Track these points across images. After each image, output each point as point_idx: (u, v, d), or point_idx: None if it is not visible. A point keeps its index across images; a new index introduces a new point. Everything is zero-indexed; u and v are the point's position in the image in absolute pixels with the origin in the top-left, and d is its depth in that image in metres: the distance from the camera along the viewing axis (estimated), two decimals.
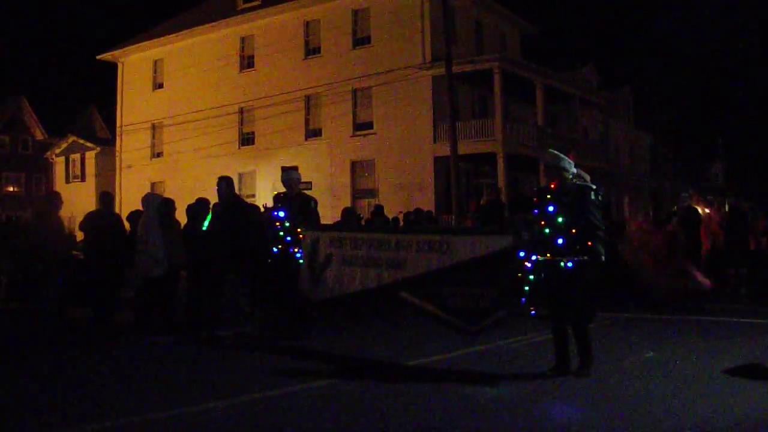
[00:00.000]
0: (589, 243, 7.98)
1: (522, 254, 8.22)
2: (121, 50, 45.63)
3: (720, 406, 6.87)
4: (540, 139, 34.57)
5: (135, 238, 12.21)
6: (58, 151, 52.82)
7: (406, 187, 33.20)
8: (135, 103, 44.97)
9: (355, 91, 36.32)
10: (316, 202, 11.71)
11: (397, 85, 34.06)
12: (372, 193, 35.07)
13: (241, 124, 40.10)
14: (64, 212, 13.98)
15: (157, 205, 12.16)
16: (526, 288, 8.19)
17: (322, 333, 11.40)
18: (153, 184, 41.65)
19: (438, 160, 32.75)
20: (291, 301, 11.03)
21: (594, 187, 8.38)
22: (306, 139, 37.54)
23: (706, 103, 48.08)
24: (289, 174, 11.97)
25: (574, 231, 8.05)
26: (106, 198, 13.83)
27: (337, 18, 37.04)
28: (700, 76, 48.90)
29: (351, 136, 36.21)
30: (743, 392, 7.43)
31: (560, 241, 8.08)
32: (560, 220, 8.16)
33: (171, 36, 42.96)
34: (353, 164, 36.11)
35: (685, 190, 16.64)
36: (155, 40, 43.79)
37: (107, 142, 52.13)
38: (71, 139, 52.08)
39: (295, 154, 36.27)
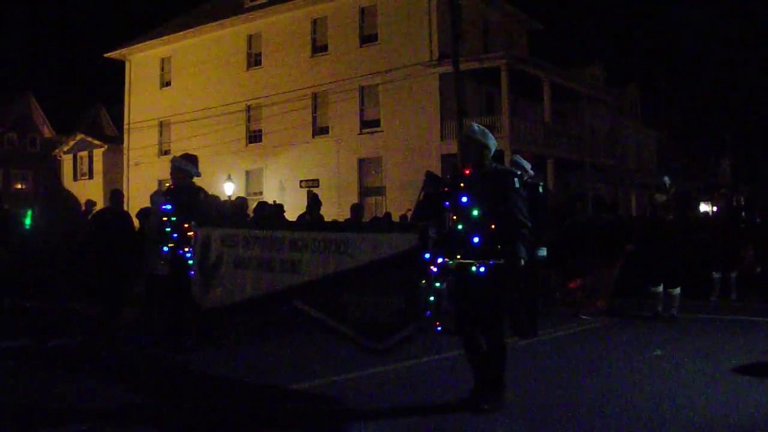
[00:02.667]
0: (508, 243, 6.59)
1: (428, 256, 6.52)
2: (128, 48, 45.70)
3: (729, 404, 6.88)
4: (547, 136, 34.58)
5: (144, 235, 12.23)
6: (66, 148, 52.94)
7: (413, 184, 33.14)
8: (143, 101, 45.05)
9: (362, 89, 36.33)
10: (205, 194, 10.53)
11: (404, 83, 34.08)
12: (379, 190, 35.11)
13: (249, 122, 40.14)
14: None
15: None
16: (431, 298, 6.51)
17: (205, 348, 9.99)
18: (160, 182, 41.64)
19: (445, 158, 32.72)
20: (180, 308, 9.79)
21: (519, 172, 7.35)
22: (313, 137, 37.57)
23: (713, 100, 47.90)
24: (174, 162, 10.68)
25: (492, 227, 6.60)
26: (116, 196, 13.86)
27: (344, 15, 37.05)
28: (707, 72, 48.75)
29: (358, 134, 36.22)
30: (752, 390, 7.43)
31: (475, 240, 6.63)
32: (475, 213, 6.69)
33: (178, 34, 43.03)
34: (360, 162, 36.13)
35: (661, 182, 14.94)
36: (163, 38, 43.85)
37: (115, 139, 52.22)
38: (79, 136, 52.19)
39: (302, 152, 36.37)
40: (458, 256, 6.68)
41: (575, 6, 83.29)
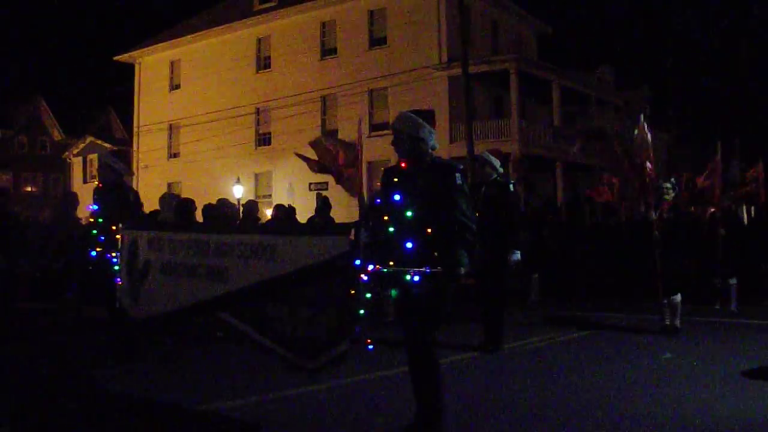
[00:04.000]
0: (447, 248, 5.72)
1: (358, 263, 5.61)
2: (138, 51, 45.82)
3: (738, 407, 6.85)
4: (556, 139, 34.55)
5: None
6: (75, 151, 53.06)
7: None
8: (152, 104, 45.14)
9: (371, 92, 36.37)
10: (135, 194, 9.90)
11: (413, 86, 34.09)
12: None
13: (258, 125, 40.21)
14: (81, 212, 14.07)
15: (174, 205, 12.19)
16: (361, 312, 5.57)
17: (127, 362, 9.01)
18: (170, 184, 41.78)
19: (454, 161, 32.65)
20: (110, 317, 8.99)
21: (462, 167, 6.30)
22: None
23: (723, 102, 47.84)
24: (102, 159, 9.92)
25: (429, 230, 5.73)
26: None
27: (354, 19, 37.10)
28: (717, 74, 48.69)
29: (367, 137, 36.20)
30: (762, 394, 7.40)
31: (408, 244, 5.74)
32: (409, 214, 5.81)
33: (188, 37, 43.12)
34: (369, 165, 36.10)
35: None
36: (172, 41, 43.95)
37: (124, 142, 52.39)
38: (89, 139, 52.33)
39: (311, 154, 36.31)
40: (391, 263, 5.74)
41: (584, 9, 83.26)
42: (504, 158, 10.67)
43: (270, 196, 37.02)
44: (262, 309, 6.34)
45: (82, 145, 52.52)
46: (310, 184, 36.37)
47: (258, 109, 39.95)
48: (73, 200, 13.37)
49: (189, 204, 11.96)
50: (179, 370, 8.96)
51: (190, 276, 6.99)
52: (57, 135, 63.99)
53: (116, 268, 8.05)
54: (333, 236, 6.00)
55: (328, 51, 38.26)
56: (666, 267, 11.11)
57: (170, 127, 44.19)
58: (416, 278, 5.64)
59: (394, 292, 6.02)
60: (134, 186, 43.70)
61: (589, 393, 7.52)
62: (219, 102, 40.30)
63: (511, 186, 10.25)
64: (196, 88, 42.25)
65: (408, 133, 6.04)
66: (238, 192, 35.60)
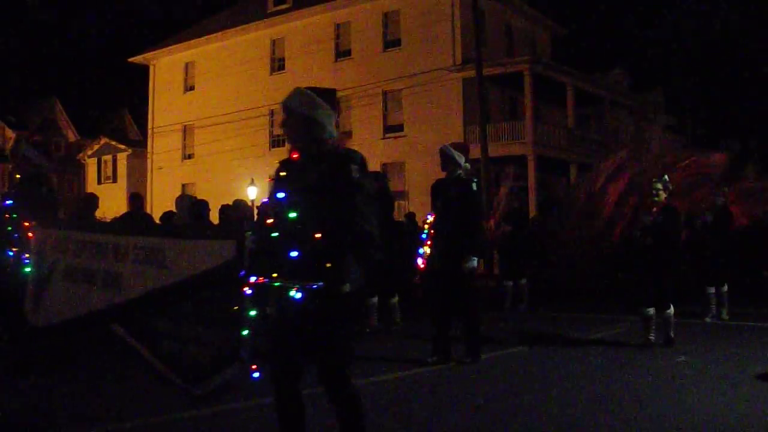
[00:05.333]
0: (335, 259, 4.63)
1: (243, 274, 4.84)
2: (152, 53, 45.96)
3: (752, 411, 6.83)
4: (570, 141, 34.51)
5: None
6: (90, 152, 53.31)
7: None
8: (166, 106, 45.28)
9: (385, 94, 36.40)
10: (50, 188, 9.25)
11: (427, 88, 34.10)
12: (402, 195, 35.10)
13: (272, 126, 40.25)
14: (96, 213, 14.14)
15: (189, 206, 12.23)
16: (245, 332, 4.79)
17: (13, 376, 8.17)
18: (184, 186, 41.93)
19: (468, 163, 32.66)
20: (13, 325, 7.85)
21: (361, 156, 5.02)
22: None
23: (737, 104, 47.70)
24: (23, 151, 8.52)
25: (317, 236, 4.63)
26: (135, 199, 13.91)
27: (368, 20, 37.13)
28: (731, 76, 48.51)
29: (381, 138, 36.27)
30: None
31: (293, 253, 4.67)
32: (293, 215, 4.75)
33: (202, 39, 43.24)
34: (383, 166, 36.07)
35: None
36: (186, 42, 44.08)
37: (139, 143, 52.54)
38: (103, 140, 52.57)
39: None
40: (275, 275, 4.74)
41: (599, 10, 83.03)
42: (465, 151, 9.88)
43: None
44: (154, 324, 5.61)
45: (96, 147, 52.77)
46: None
47: (272, 110, 39.97)
48: (92, 202, 13.39)
49: (202, 205, 11.99)
50: (54, 390, 7.82)
51: (89, 282, 6.19)
52: (72, 136, 64.17)
53: (27, 270, 7.11)
54: (220, 241, 5.30)
55: (342, 53, 38.32)
56: (654, 277, 10.18)
57: (184, 129, 44.31)
58: (297, 295, 4.60)
59: (253, 312, 4.83)
60: (148, 187, 43.89)
61: (604, 397, 7.52)
62: (233, 103, 40.37)
63: (474, 185, 9.44)
64: (211, 90, 42.35)
65: (301, 114, 4.96)
66: (253, 193, 35.69)
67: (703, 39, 52.51)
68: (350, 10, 37.61)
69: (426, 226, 9.76)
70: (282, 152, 38.90)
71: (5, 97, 61.36)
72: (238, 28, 41.59)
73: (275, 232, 4.83)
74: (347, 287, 4.62)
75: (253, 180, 37.07)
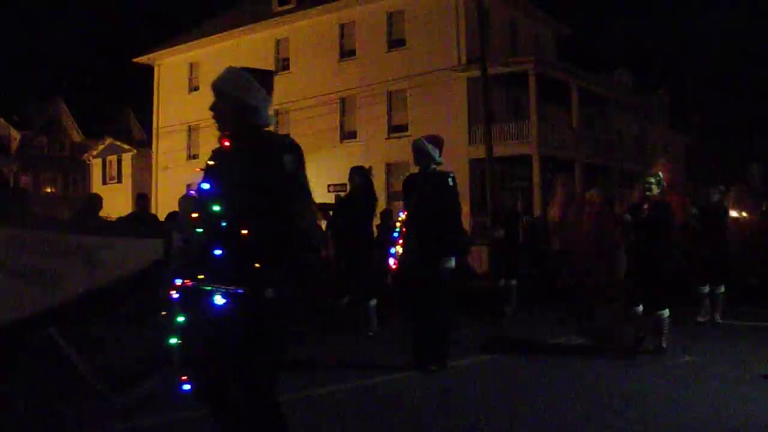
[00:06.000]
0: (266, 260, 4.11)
1: (170, 275, 4.41)
2: (157, 53, 45.99)
3: (757, 411, 6.82)
4: (575, 141, 34.48)
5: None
6: (95, 152, 53.38)
7: None
8: (171, 106, 45.30)
9: (390, 94, 36.38)
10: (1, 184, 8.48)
11: (432, 88, 34.11)
12: None
13: (277, 126, 40.24)
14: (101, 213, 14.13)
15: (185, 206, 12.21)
16: (172, 340, 4.29)
17: None
18: (189, 186, 41.91)
19: (473, 162, 32.70)
20: None
21: (296, 145, 4.45)
22: (341, 141, 37.65)
23: (743, 104, 47.76)
24: None
25: (245, 233, 4.12)
26: (141, 200, 13.91)
27: (372, 20, 37.12)
28: (736, 76, 48.56)
29: (386, 138, 36.25)
30: None
31: (217, 251, 4.16)
32: (216, 208, 4.23)
33: (206, 39, 43.25)
34: (388, 166, 36.11)
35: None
36: (191, 42, 44.10)
37: (143, 143, 52.59)
38: (108, 140, 52.63)
39: (330, 157, 36.43)
40: (201, 277, 4.22)
41: (604, 10, 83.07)
42: (440, 144, 9.05)
43: None
44: (87, 328, 5.21)
45: (101, 147, 52.82)
46: (329, 185, 36.40)
47: (277, 110, 39.93)
48: (97, 202, 13.40)
49: None
50: None
51: (30, 281, 5.66)
52: (76, 136, 64.30)
53: None
54: (149, 240, 4.92)
55: (346, 53, 38.31)
56: (645, 276, 9.74)
57: (189, 129, 44.28)
58: (221, 300, 4.11)
59: (182, 319, 4.30)
60: (153, 187, 43.93)
61: (610, 396, 7.51)
62: None
63: (450, 180, 8.86)
64: None
65: (234, 98, 4.48)
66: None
67: (709, 39, 52.53)
68: (355, 10, 37.60)
69: (397, 224, 9.27)
70: None
71: (10, 97, 61.55)
72: (242, 28, 41.60)
73: (200, 228, 4.34)
74: (271, 293, 4.08)
75: None
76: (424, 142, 8.99)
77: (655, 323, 9.72)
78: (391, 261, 9.18)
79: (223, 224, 4.19)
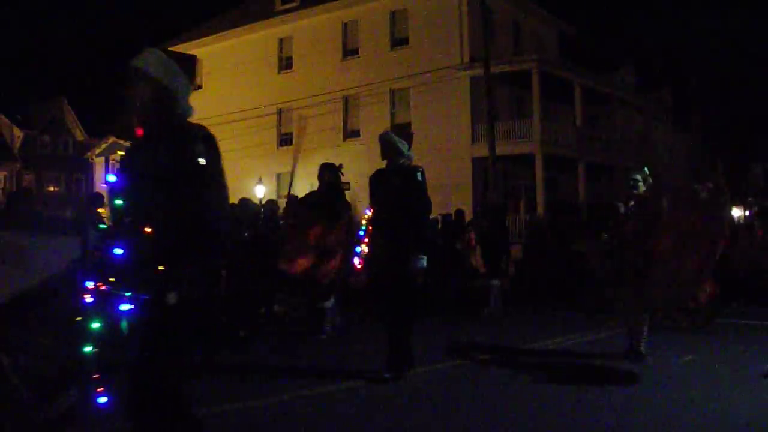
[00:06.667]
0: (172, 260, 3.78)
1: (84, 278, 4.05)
2: None
3: (761, 410, 6.82)
4: (578, 140, 34.45)
5: None
6: (98, 151, 53.43)
7: (443, 188, 33.11)
8: None
9: (393, 92, 36.36)
10: None
11: (435, 86, 34.07)
12: None
13: (280, 125, 40.27)
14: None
15: None
16: (87, 348, 3.95)
17: None
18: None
19: (476, 161, 32.68)
20: None
21: (208, 133, 4.34)
22: (344, 140, 37.62)
23: (746, 104, 47.73)
24: None
25: (149, 230, 3.79)
26: None
27: (375, 19, 37.09)
28: (740, 76, 48.54)
29: None
30: None
31: (118, 250, 3.84)
32: (119, 202, 3.94)
33: (209, 38, 43.23)
34: (423, 169, 36.00)
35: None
36: (194, 41, 44.05)
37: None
38: (111, 139, 52.60)
39: (333, 155, 36.37)
40: (111, 280, 3.88)
41: (607, 9, 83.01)
42: (409, 138, 8.70)
43: None
44: (13, 333, 4.73)
45: (104, 146, 52.83)
46: None
47: (280, 109, 39.99)
48: (97, 201, 13.37)
49: None
50: None
51: None
52: (79, 135, 64.34)
53: None
54: (68, 237, 4.58)
55: (349, 51, 38.28)
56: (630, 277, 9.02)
57: None
58: (126, 306, 3.78)
59: (97, 325, 3.93)
60: None
61: (610, 395, 7.49)
62: (241, 102, 40.36)
63: (419, 174, 8.40)
64: (218, 89, 42.32)
65: (152, 79, 4.18)
66: (260, 192, 35.68)
67: (712, 38, 52.51)
68: (358, 8, 37.57)
69: (363, 222, 8.90)
70: (289, 151, 38.94)
71: (13, 96, 61.60)
72: (245, 27, 41.58)
73: (104, 224, 4.02)
74: (173, 297, 3.72)
75: (260, 179, 37.09)
76: (392, 135, 8.71)
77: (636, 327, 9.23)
78: (356, 261, 8.88)
79: (127, 221, 3.84)
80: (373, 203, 8.65)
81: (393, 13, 36.74)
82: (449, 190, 32.69)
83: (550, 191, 33.45)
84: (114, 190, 3.93)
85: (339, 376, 8.37)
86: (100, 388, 3.90)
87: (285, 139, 40.10)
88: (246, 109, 40.03)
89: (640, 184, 9.51)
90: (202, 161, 3.93)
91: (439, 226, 19.30)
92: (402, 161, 8.42)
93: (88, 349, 3.92)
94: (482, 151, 30.33)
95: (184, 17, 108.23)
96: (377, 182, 8.62)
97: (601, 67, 41.38)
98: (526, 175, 34.23)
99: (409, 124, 35.32)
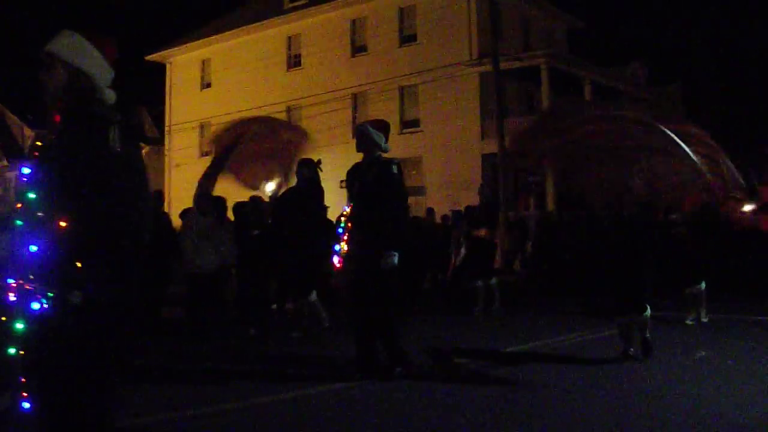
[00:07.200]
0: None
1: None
2: (168, 51, 46.06)
3: None
4: None
5: (182, 235, 12.18)
6: None
7: (453, 184, 33.11)
8: (183, 103, 45.38)
9: (401, 89, 36.35)
10: None
11: (444, 83, 34.04)
12: (419, 190, 35.04)
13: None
14: None
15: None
16: (11, 350, 3.67)
17: None
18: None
19: (486, 157, 32.64)
20: None
21: (121, 118, 3.84)
22: (353, 137, 37.52)
23: (756, 98, 47.49)
24: None
25: (62, 225, 3.53)
26: (156, 197, 13.88)
27: (384, 16, 37.09)
28: (750, 70, 48.37)
29: (398, 134, 36.13)
30: None
31: (33, 247, 3.56)
32: (31, 196, 3.63)
33: (218, 36, 43.31)
34: (400, 162, 36.00)
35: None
36: (203, 40, 44.14)
37: (156, 141, 52.63)
38: None
39: (342, 152, 36.41)
40: (30, 277, 3.58)
41: (617, 3, 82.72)
42: (386, 130, 8.51)
43: None
44: None
45: None
46: (341, 181, 36.31)
47: (289, 107, 39.99)
48: None
49: (220, 202, 11.96)
50: None
51: None
52: None
53: None
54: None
55: (358, 48, 38.29)
56: (628, 276, 8.99)
57: (201, 126, 44.32)
58: (36, 306, 3.51)
59: (21, 326, 3.60)
60: (166, 184, 43.98)
61: (623, 391, 7.47)
62: (250, 100, 40.36)
63: (394, 167, 8.18)
64: (227, 87, 42.41)
65: (66, 63, 3.80)
66: (270, 189, 35.68)
67: (722, 33, 52.27)
68: (366, 5, 37.57)
69: (342, 219, 8.72)
70: None
71: (24, 95, 61.70)
72: (254, 24, 41.62)
73: (19, 219, 3.66)
74: (77, 297, 3.45)
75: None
76: (368, 127, 8.42)
77: (639, 324, 9.06)
78: (335, 259, 8.66)
79: (39, 215, 3.57)
80: (350, 199, 8.40)
81: (402, 10, 36.73)
82: (458, 187, 32.68)
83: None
84: (27, 183, 3.65)
85: (331, 376, 8.23)
86: (24, 392, 3.62)
87: None
88: (255, 107, 39.95)
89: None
90: (118, 147, 3.64)
91: (450, 222, 19.22)
92: (378, 154, 8.22)
93: (11, 350, 3.64)
94: (492, 147, 30.31)
95: (195, 16, 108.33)
96: (353, 177, 8.39)
97: (611, 61, 41.30)
98: (536, 171, 34.13)
99: (418, 121, 35.38)
